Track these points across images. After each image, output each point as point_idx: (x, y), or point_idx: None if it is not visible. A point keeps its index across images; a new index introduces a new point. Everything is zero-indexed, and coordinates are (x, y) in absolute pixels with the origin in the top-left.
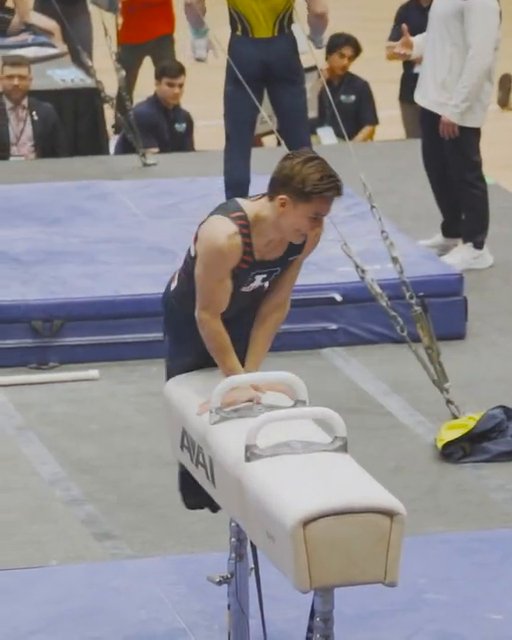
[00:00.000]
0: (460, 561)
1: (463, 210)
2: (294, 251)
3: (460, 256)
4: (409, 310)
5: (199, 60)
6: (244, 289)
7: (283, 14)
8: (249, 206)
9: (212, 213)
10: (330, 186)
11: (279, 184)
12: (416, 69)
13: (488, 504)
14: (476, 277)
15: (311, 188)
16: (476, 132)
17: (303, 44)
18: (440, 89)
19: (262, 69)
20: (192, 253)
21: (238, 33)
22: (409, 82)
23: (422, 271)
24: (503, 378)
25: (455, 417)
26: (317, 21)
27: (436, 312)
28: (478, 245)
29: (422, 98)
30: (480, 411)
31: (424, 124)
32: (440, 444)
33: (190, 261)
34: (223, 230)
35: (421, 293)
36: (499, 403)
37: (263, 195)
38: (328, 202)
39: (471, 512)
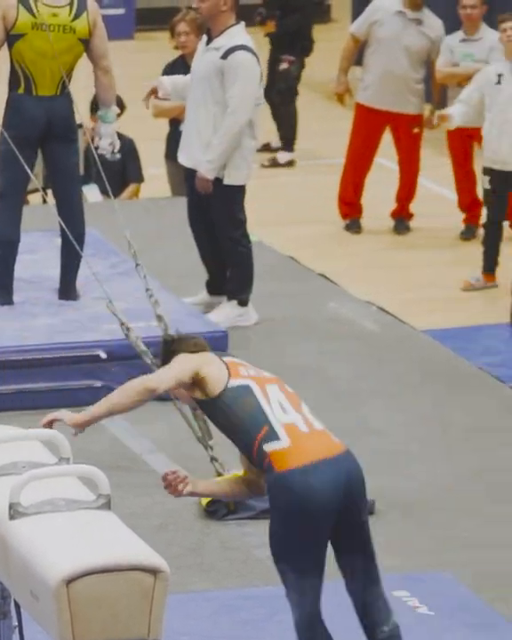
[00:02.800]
0: (224, 618)
1: (228, 267)
2: None
3: (225, 313)
4: None
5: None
6: None
7: (70, 73)
8: None
9: None
10: None
11: None
12: (182, 127)
13: (252, 561)
14: (241, 334)
15: None
16: (240, 190)
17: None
18: (205, 149)
19: (44, 128)
20: None
21: (20, 90)
22: (174, 139)
23: (187, 328)
24: None
25: (219, 474)
26: (106, 90)
27: None
28: (243, 303)
29: (187, 158)
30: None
31: (189, 182)
32: (204, 502)
33: None
34: None
35: None
36: None
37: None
38: None
39: (235, 569)
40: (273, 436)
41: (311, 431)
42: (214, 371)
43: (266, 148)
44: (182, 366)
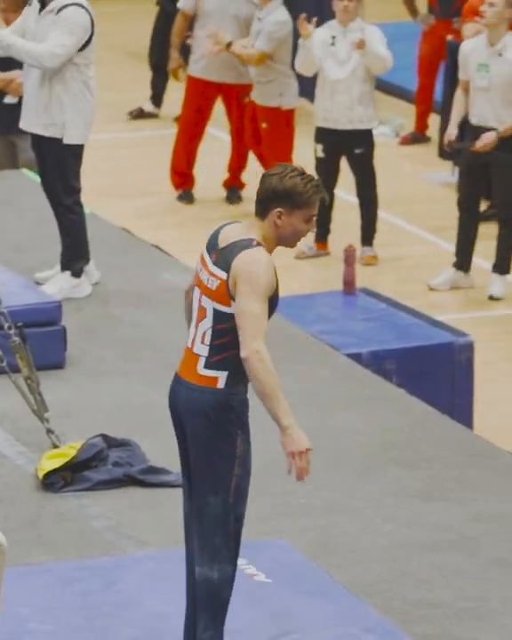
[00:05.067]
0: (62, 590)
1: (61, 236)
2: None
3: (59, 285)
4: (8, 340)
5: None
6: None
7: None
8: (250, 233)
9: (237, 252)
10: (317, 189)
11: (270, 200)
12: (6, 100)
13: (89, 533)
14: (76, 306)
15: (302, 195)
16: (77, 153)
17: None
18: (42, 112)
19: None
20: (225, 310)
21: None
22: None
23: (20, 300)
24: (102, 406)
25: (56, 446)
26: None
27: (35, 341)
28: (76, 274)
29: (28, 124)
30: (80, 440)
31: (35, 149)
32: (41, 474)
33: (228, 322)
34: (264, 256)
35: (20, 323)
36: (99, 431)
37: (245, 222)
38: (317, 203)
39: (73, 541)
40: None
41: (188, 348)
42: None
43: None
44: None
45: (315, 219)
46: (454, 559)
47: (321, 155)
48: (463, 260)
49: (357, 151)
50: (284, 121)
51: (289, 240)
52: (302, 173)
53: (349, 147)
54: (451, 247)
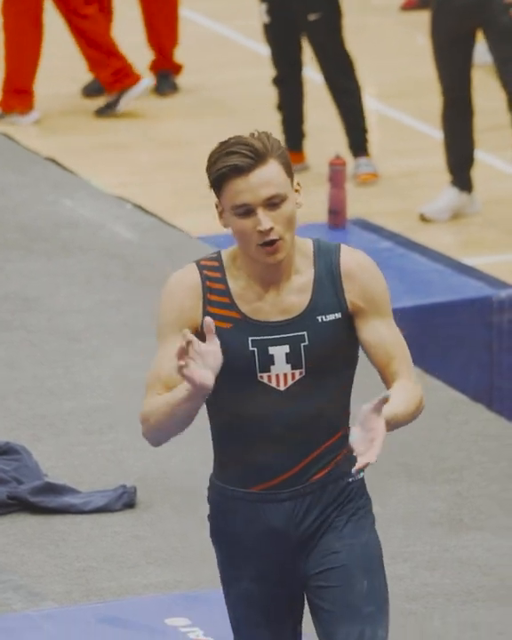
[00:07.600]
0: None
1: None
2: (327, 302)
3: None
4: None
5: None
6: (267, 379)
7: None
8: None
9: None
10: (220, 155)
11: None
12: None
13: None
14: None
15: (212, 172)
16: None
17: None
18: None
19: None
20: None
21: None
22: None
23: None
24: None
25: None
26: None
27: None
28: None
29: None
30: None
31: None
32: None
33: None
34: (170, 284)
35: None
36: None
37: None
38: (235, 181)
39: None
40: None
41: None
42: None
43: None
44: None
45: (260, 215)
46: (494, 614)
47: (266, 19)
48: (462, 176)
49: (312, 17)
50: None
51: (247, 249)
52: (226, 140)
53: (301, 10)
54: (487, 157)
